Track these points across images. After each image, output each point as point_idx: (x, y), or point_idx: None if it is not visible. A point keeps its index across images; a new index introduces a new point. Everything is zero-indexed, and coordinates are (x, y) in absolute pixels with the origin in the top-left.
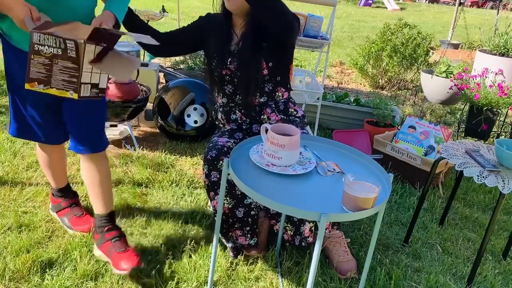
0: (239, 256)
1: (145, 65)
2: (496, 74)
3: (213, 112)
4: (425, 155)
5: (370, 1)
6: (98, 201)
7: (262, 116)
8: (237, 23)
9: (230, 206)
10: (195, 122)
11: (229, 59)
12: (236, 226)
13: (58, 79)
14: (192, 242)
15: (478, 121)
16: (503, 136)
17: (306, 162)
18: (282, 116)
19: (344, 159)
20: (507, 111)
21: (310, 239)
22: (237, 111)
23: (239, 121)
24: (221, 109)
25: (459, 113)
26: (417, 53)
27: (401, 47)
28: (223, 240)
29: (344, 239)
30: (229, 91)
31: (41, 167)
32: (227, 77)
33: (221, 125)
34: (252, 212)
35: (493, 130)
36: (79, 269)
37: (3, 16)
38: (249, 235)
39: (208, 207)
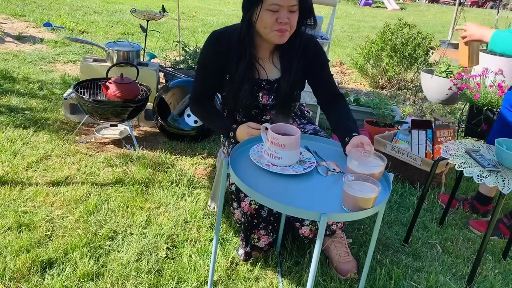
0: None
1: (145, 65)
2: (496, 74)
3: None
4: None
5: (370, 1)
6: None
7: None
8: (265, 48)
9: (256, 207)
10: (195, 122)
11: (260, 93)
12: (260, 226)
13: None
14: (192, 242)
15: (478, 121)
16: None
17: (306, 162)
18: (302, 120)
19: (344, 159)
20: None
21: (334, 227)
22: None
23: None
24: (239, 124)
25: (459, 113)
26: (417, 53)
27: (401, 47)
28: (241, 245)
29: (345, 239)
30: (254, 112)
31: (41, 167)
32: (256, 103)
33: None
34: (274, 210)
35: None
36: (79, 269)
37: None
38: (271, 234)
39: (208, 207)
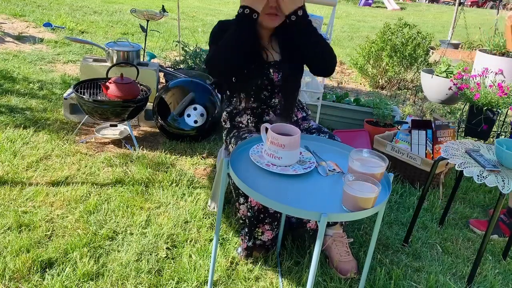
0: (249, 258)
1: (145, 65)
2: (496, 74)
3: (224, 115)
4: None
5: (370, 1)
6: None
7: (292, 115)
8: (263, 34)
9: None
10: (195, 122)
11: (271, 70)
12: (266, 221)
13: None
14: (192, 242)
15: (478, 121)
16: (503, 136)
17: (306, 162)
18: (304, 114)
19: (344, 159)
20: (507, 111)
21: None
22: (270, 113)
23: (272, 122)
24: (248, 111)
25: (459, 113)
26: (417, 53)
27: (401, 47)
28: (244, 239)
29: (346, 239)
30: (264, 95)
31: (41, 167)
32: (267, 85)
33: (241, 128)
34: None
35: (493, 130)
36: (79, 269)
37: None
38: (275, 228)
39: (208, 207)
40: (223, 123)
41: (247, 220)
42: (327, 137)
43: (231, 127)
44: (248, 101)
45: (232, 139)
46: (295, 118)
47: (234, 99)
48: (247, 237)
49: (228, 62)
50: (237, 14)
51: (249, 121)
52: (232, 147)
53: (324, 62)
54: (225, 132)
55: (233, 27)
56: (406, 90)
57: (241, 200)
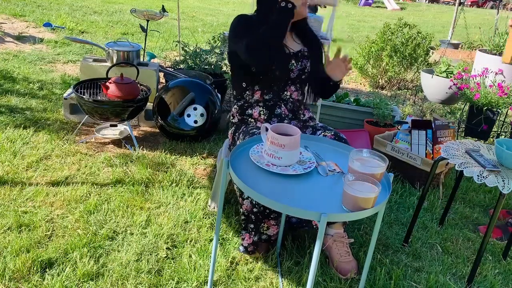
0: (253, 254)
1: (145, 65)
2: (496, 74)
3: (234, 109)
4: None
5: (370, 1)
6: None
7: (300, 112)
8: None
9: None
10: (195, 122)
11: (293, 60)
12: (272, 216)
13: None
14: (192, 242)
15: (478, 121)
16: (503, 136)
17: (306, 162)
18: (310, 114)
19: (344, 159)
20: (507, 111)
21: None
22: (282, 106)
23: (283, 115)
24: (260, 103)
25: (459, 113)
26: (417, 53)
27: (401, 47)
28: (251, 234)
29: (347, 239)
30: (278, 87)
31: (41, 167)
32: (286, 77)
33: (250, 123)
34: None
35: (493, 130)
36: (79, 269)
37: None
38: (280, 224)
39: (208, 207)
40: (231, 118)
41: (252, 216)
42: (332, 133)
43: (240, 121)
44: (262, 94)
45: (240, 134)
46: (303, 117)
47: (247, 92)
48: (253, 232)
49: (269, 50)
50: (277, 7)
51: (261, 112)
52: (243, 138)
53: (329, 95)
54: (232, 129)
55: (274, 17)
56: (406, 90)
57: (245, 195)
